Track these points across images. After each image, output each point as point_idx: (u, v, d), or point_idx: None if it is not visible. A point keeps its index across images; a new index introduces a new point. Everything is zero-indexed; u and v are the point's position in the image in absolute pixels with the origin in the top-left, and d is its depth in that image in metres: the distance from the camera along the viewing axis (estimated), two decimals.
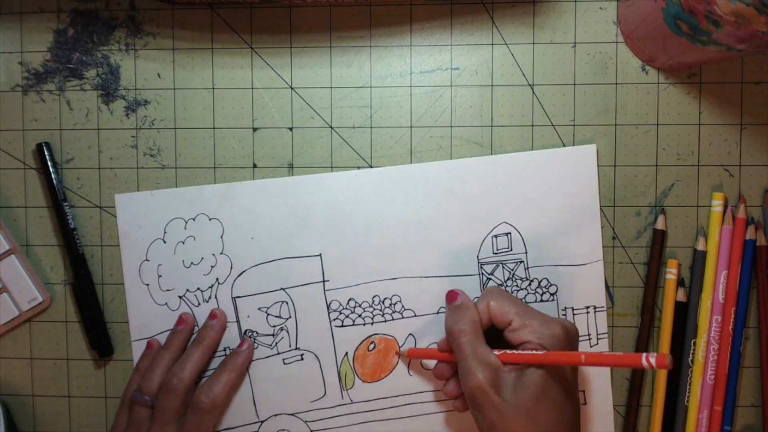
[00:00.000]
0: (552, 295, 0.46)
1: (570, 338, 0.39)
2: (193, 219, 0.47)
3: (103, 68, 0.48)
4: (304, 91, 0.47)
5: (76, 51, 0.48)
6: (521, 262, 0.46)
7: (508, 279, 0.46)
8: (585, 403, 0.46)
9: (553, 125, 0.46)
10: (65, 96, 0.48)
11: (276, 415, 0.47)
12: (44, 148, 0.47)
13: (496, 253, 0.46)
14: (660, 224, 0.46)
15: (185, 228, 0.47)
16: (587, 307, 0.46)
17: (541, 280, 0.46)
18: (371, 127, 0.47)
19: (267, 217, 0.47)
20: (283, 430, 0.47)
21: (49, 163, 0.47)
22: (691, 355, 0.46)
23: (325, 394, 0.47)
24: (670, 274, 0.46)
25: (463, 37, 0.47)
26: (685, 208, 0.47)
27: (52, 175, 0.47)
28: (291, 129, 0.47)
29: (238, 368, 0.45)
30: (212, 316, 0.46)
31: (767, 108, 0.46)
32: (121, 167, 0.48)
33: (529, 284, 0.46)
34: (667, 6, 0.39)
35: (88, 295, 0.47)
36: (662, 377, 0.46)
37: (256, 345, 0.47)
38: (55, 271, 0.48)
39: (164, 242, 0.47)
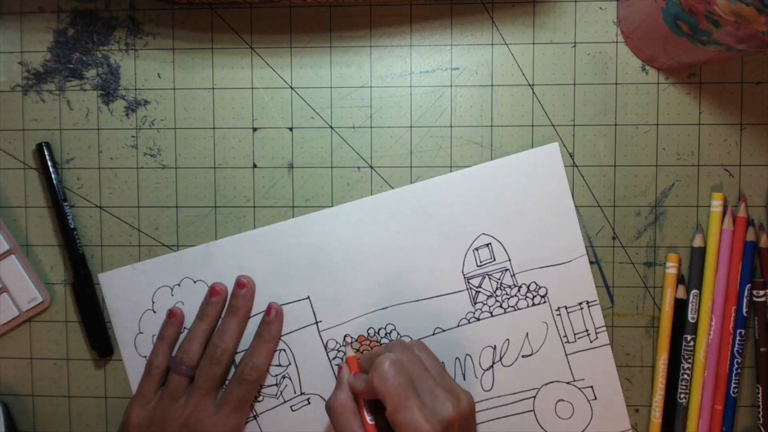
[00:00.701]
0: (543, 297, 0.46)
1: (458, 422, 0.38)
2: (179, 284, 0.47)
3: (103, 68, 0.48)
4: (304, 91, 0.47)
5: (76, 51, 0.48)
6: (506, 270, 0.46)
7: (497, 289, 0.46)
8: (595, 398, 0.46)
9: (553, 125, 0.46)
10: (65, 96, 0.48)
11: None
12: (44, 148, 0.47)
13: (480, 266, 0.46)
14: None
15: (172, 295, 0.47)
16: (580, 304, 0.46)
17: (530, 284, 0.46)
18: (371, 127, 0.47)
19: (250, 269, 0.47)
20: None
21: (49, 163, 0.47)
22: (688, 353, 0.46)
23: None
24: (671, 268, 0.46)
25: (463, 37, 0.47)
26: (685, 208, 0.47)
27: (52, 175, 0.47)
28: (291, 129, 0.47)
29: (274, 336, 0.46)
30: (240, 284, 0.46)
31: (767, 108, 0.46)
32: (121, 167, 0.48)
33: (518, 290, 0.46)
34: (667, 6, 0.39)
35: (88, 295, 0.47)
36: (662, 376, 0.46)
37: (261, 398, 0.47)
38: (55, 271, 0.48)
39: (154, 312, 0.47)
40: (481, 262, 0.46)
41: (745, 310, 0.45)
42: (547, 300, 0.46)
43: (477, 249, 0.46)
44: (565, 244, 0.46)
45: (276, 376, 0.47)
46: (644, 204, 0.47)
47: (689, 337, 0.46)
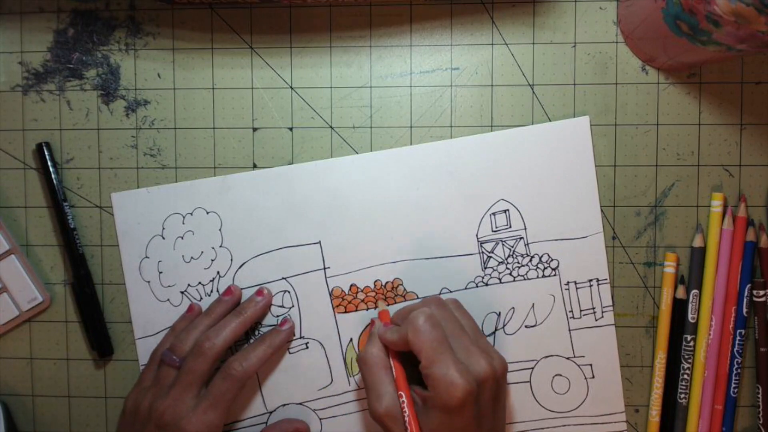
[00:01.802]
0: (554, 270, 0.46)
1: (488, 383, 0.38)
2: (191, 213, 0.47)
3: (103, 68, 0.48)
4: (304, 91, 0.47)
5: (76, 51, 0.48)
6: (521, 238, 0.46)
7: (509, 256, 0.46)
8: (593, 377, 0.46)
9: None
10: (65, 96, 0.48)
11: (284, 405, 0.47)
12: (44, 147, 0.47)
13: (495, 231, 0.46)
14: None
15: (183, 223, 0.47)
16: (590, 281, 0.46)
17: (542, 256, 0.46)
18: (371, 127, 0.47)
19: (264, 207, 0.47)
20: (292, 419, 0.47)
21: (49, 163, 0.47)
22: (689, 353, 0.46)
23: (332, 382, 0.47)
24: (669, 268, 0.46)
25: (463, 37, 0.47)
26: (685, 208, 0.47)
27: (52, 175, 0.47)
28: (291, 129, 0.47)
29: (276, 346, 0.45)
30: (259, 293, 0.46)
31: (767, 108, 0.46)
32: (121, 167, 0.48)
33: (530, 260, 0.46)
34: (667, 6, 0.39)
35: (88, 295, 0.47)
36: (659, 375, 0.46)
37: (258, 335, 0.47)
38: (55, 271, 0.48)
39: (163, 238, 0.47)
40: (496, 227, 0.46)
41: (745, 310, 0.45)
42: (557, 273, 0.46)
43: (494, 214, 0.46)
44: (583, 219, 0.46)
45: (277, 316, 0.47)
46: (644, 204, 0.47)
47: (689, 337, 0.46)
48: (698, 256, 0.46)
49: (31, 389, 0.49)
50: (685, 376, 0.46)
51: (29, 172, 0.48)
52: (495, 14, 0.47)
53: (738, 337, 0.45)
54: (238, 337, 0.45)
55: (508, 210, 0.46)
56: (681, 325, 0.46)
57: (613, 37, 0.46)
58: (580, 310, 0.46)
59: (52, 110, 0.48)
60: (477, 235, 0.46)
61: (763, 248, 0.45)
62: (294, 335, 0.47)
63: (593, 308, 0.46)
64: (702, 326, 0.45)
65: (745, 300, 0.45)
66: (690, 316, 0.46)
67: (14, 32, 0.48)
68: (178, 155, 0.48)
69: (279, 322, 0.46)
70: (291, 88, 0.47)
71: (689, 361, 0.46)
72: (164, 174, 0.48)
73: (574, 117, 0.46)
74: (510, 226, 0.46)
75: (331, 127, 0.47)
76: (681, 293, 0.46)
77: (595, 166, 0.46)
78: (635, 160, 0.46)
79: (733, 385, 0.45)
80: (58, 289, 0.48)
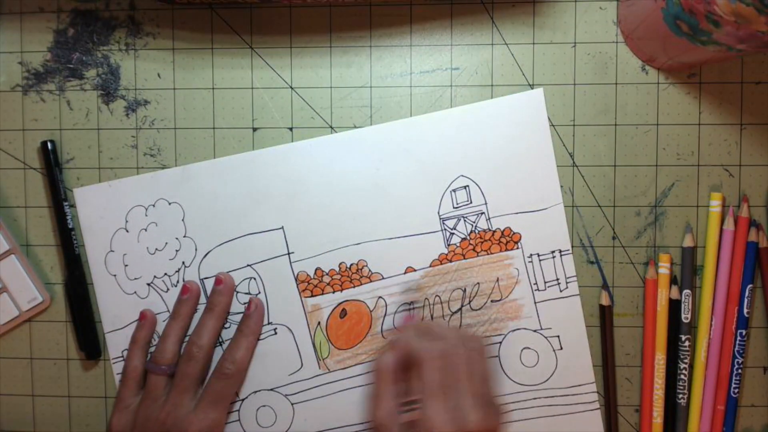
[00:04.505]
0: (516, 243, 0.46)
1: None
2: (153, 205, 0.47)
3: (103, 68, 0.48)
4: (304, 91, 0.47)
5: (76, 51, 0.48)
6: (482, 213, 0.46)
7: (471, 232, 0.46)
8: (561, 348, 0.46)
9: (553, 125, 0.46)
10: (65, 96, 0.48)
11: (255, 391, 0.47)
12: (48, 145, 0.47)
13: (456, 207, 0.46)
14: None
15: (146, 215, 0.47)
16: (552, 252, 0.46)
17: (504, 230, 0.46)
18: (371, 126, 0.47)
19: (226, 195, 0.47)
20: (264, 405, 0.47)
21: (53, 162, 0.47)
22: (684, 354, 0.46)
23: (302, 366, 0.47)
24: (663, 268, 0.46)
25: (463, 37, 0.47)
26: (685, 208, 0.46)
27: (56, 174, 0.47)
28: (291, 129, 0.47)
29: (253, 330, 0.46)
30: (218, 281, 0.46)
31: (767, 108, 0.46)
32: (121, 167, 0.48)
33: (492, 234, 0.46)
34: (667, 6, 0.39)
35: (81, 295, 0.47)
36: (661, 377, 0.46)
37: (227, 325, 0.47)
38: (55, 271, 0.48)
39: (127, 231, 0.47)
40: (457, 203, 0.46)
41: (746, 310, 0.45)
42: (520, 246, 0.46)
43: (455, 190, 0.46)
44: (543, 191, 0.46)
45: (244, 303, 0.47)
46: (644, 204, 0.47)
47: (684, 338, 0.46)
48: (689, 256, 0.46)
49: (31, 389, 0.49)
50: (682, 377, 0.46)
51: (29, 172, 0.48)
52: (495, 14, 0.46)
53: (739, 337, 0.45)
54: (219, 333, 0.46)
55: (468, 186, 0.46)
56: (677, 325, 0.46)
57: (613, 37, 0.46)
58: (545, 282, 0.46)
59: (52, 110, 0.48)
60: (439, 213, 0.46)
61: (763, 248, 0.45)
62: (263, 311, 0.47)
63: (557, 279, 0.46)
64: (702, 326, 0.45)
65: (746, 300, 0.45)
66: (683, 316, 0.45)
67: (14, 32, 0.48)
68: (178, 155, 0.48)
69: (245, 308, 0.46)
70: (291, 88, 0.47)
71: (686, 361, 0.46)
72: None
73: (573, 116, 0.46)
74: (471, 202, 0.46)
75: (331, 127, 0.47)
76: (675, 294, 0.46)
77: (596, 166, 0.46)
78: (635, 160, 0.46)
79: (734, 386, 0.45)
80: (58, 289, 0.48)
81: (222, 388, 0.44)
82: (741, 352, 0.45)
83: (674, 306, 0.46)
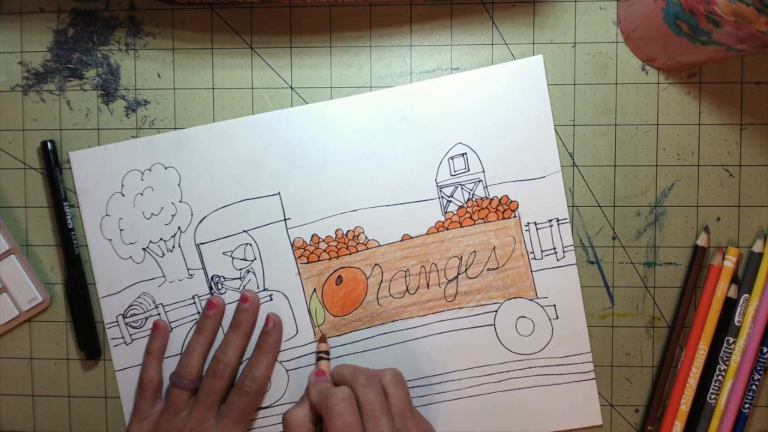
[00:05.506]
0: (513, 211, 0.46)
1: None
2: (149, 169, 0.47)
3: (103, 68, 0.48)
4: (304, 91, 0.47)
5: (76, 51, 0.48)
6: (480, 181, 0.46)
7: (468, 200, 0.46)
8: (557, 318, 0.46)
9: (553, 125, 0.46)
10: (65, 96, 0.48)
11: (249, 358, 0.47)
12: (48, 145, 0.47)
13: (453, 175, 0.46)
14: (702, 241, 0.46)
15: (142, 179, 0.47)
16: (550, 221, 0.46)
17: (501, 198, 0.46)
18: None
19: (222, 160, 0.47)
20: None
21: (53, 161, 0.47)
22: (727, 356, 0.45)
23: (297, 332, 0.47)
24: (729, 262, 0.45)
25: (463, 37, 0.47)
26: (685, 208, 0.47)
27: (56, 173, 0.47)
28: None
29: (273, 347, 0.46)
30: (243, 299, 0.46)
31: (767, 108, 0.46)
32: None
33: (490, 203, 0.46)
34: (667, 6, 0.39)
35: (81, 295, 0.47)
36: (699, 366, 0.45)
37: (223, 290, 0.47)
38: (55, 271, 0.48)
39: (123, 195, 0.47)
40: (455, 171, 0.46)
41: None
42: (517, 215, 0.46)
43: (452, 158, 0.46)
44: (541, 159, 0.46)
45: (240, 269, 0.47)
46: (644, 204, 0.47)
47: (731, 340, 0.45)
48: (755, 261, 0.45)
49: (31, 389, 0.49)
50: (720, 378, 0.45)
51: (29, 172, 0.48)
52: (495, 14, 0.47)
53: (766, 348, 0.45)
54: (244, 350, 0.46)
55: (465, 153, 0.46)
56: (726, 325, 0.45)
57: (613, 37, 0.46)
58: (542, 251, 0.46)
59: (52, 110, 0.48)
60: (436, 180, 0.46)
61: None
62: (282, 327, 0.47)
63: (554, 248, 0.46)
64: (742, 330, 0.45)
65: None
66: (737, 319, 0.45)
67: (14, 32, 0.48)
68: None
69: (264, 324, 0.46)
70: (291, 88, 0.47)
71: (727, 363, 0.45)
72: None
73: (573, 116, 0.46)
74: (468, 170, 0.46)
75: None
76: (732, 292, 0.45)
77: (596, 166, 0.46)
78: (635, 160, 0.46)
79: (752, 390, 0.45)
80: (58, 289, 0.48)
81: (245, 405, 0.44)
82: (762, 362, 0.45)
83: (727, 303, 0.45)
